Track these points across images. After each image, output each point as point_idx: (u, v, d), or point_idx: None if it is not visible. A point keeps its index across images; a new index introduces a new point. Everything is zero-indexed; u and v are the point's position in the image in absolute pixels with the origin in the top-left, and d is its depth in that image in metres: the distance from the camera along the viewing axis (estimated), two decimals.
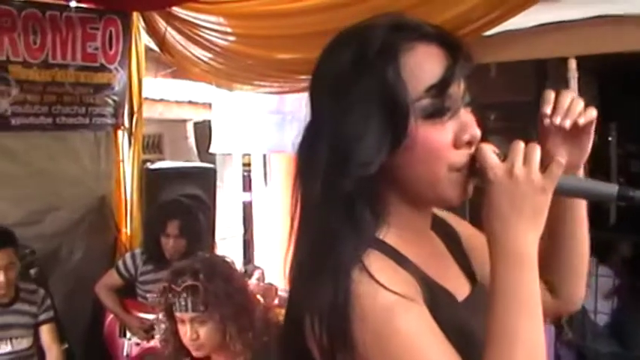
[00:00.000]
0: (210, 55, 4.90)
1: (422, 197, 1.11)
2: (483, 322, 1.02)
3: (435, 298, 1.05)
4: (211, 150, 6.36)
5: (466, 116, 1.08)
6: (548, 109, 1.12)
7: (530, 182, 1.01)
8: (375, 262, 1.01)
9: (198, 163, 6.10)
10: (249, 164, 7.56)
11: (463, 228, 1.32)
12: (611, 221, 6.06)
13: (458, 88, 1.07)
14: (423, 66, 1.05)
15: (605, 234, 4.74)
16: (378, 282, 0.98)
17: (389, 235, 1.08)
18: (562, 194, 1.07)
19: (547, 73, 4.36)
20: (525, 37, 3.52)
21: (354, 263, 0.99)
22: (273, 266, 7.07)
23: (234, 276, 2.38)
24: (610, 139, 6.77)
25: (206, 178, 5.18)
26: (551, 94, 1.12)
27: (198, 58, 4.96)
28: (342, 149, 1.04)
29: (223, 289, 2.25)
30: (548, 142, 1.15)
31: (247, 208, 7.77)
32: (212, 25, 4.52)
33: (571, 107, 1.11)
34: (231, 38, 4.65)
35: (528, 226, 1.01)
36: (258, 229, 7.20)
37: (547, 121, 1.13)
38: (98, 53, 4.67)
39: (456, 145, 1.06)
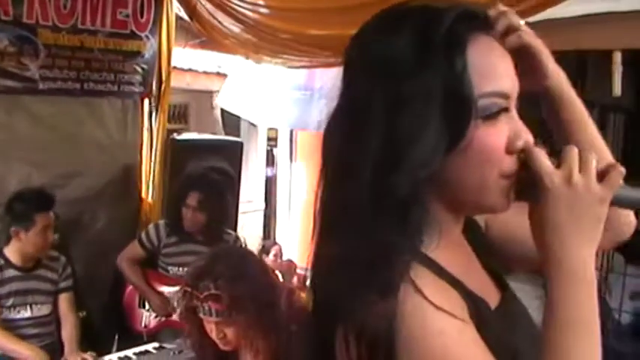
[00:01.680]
0: (240, 27, 4.82)
1: (466, 204, 1.02)
2: (519, 332, 0.98)
3: (478, 312, 0.96)
4: (218, 102, 6.31)
5: (518, 120, 0.99)
6: None
7: (589, 191, 0.93)
8: (422, 277, 0.91)
9: (226, 137, 6.06)
10: (274, 139, 7.51)
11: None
12: None
13: (515, 87, 0.99)
14: (489, 61, 0.96)
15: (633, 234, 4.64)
16: (428, 301, 0.88)
17: (435, 252, 0.97)
18: (617, 205, 0.98)
19: (587, 68, 4.24)
20: (568, 28, 3.41)
21: (402, 279, 0.89)
22: (293, 243, 7.07)
23: (259, 273, 2.31)
24: None
25: (233, 152, 5.13)
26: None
27: (229, 30, 4.89)
28: (395, 147, 0.92)
29: (248, 292, 2.20)
30: None
31: (269, 182, 7.75)
32: None
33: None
34: (264, 11, 4.57)
35: (586, 239, 0.94)
36: (282, 205, 7.17)
37: None
38: (129, 20, 4.62)
39: (509, 150, 0.97)
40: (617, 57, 3.42)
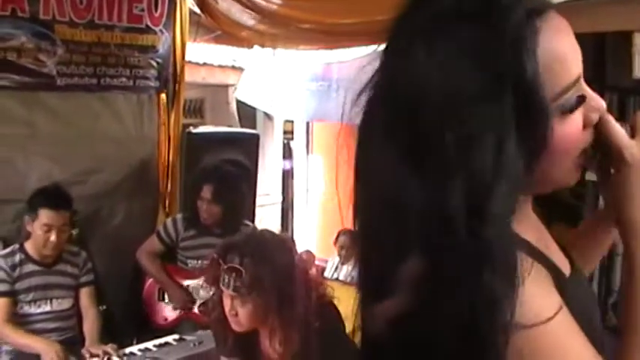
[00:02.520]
0: (256, 19, 4.81)
1: (544, 188, 0.98)
2: (590, 298, 1.00)
3: (557, 281, 0.93)
4: (236, 95, 6.31)
5: (588, 91, 0.93)
6: None
7: None
8: (523, 265, 0.85)
9: (242, 129, 6.05)
10: (290, 132, 7.50)
11: None
12: None
13: (580, 63, 0.92)
14: (557, 53, 0.87)
15: None
16: (529, 288, 0.84)
17: (518, 228, 0.89)
18: None
19: (605, 50, 4.18)
20: (587, 9, 3.36)
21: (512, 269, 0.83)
22: (311, 235, 7.07)
23: (286, 262, 2.30)
24: None
25: (249, 145, 5.13)
26: None
27: (243, 21, 4.88)
28: (477, 192, 0.81)
29: (270, 276, 2.21)
30: None
31: (286, 175, 7.74)
32: None
33: None
34: (278, 1, 4.55)
35: None
36: (299, 197, 7.17)
37: None
38: (144, 15, 4.63)
39: (585, 126, 0.92)
40: (638, 38, 3.37)
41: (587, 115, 0.92)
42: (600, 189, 0.98)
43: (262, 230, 2.51)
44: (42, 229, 3.50)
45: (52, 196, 3.58)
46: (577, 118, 0.91)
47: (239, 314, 2.25)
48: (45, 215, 3.50)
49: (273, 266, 2.23)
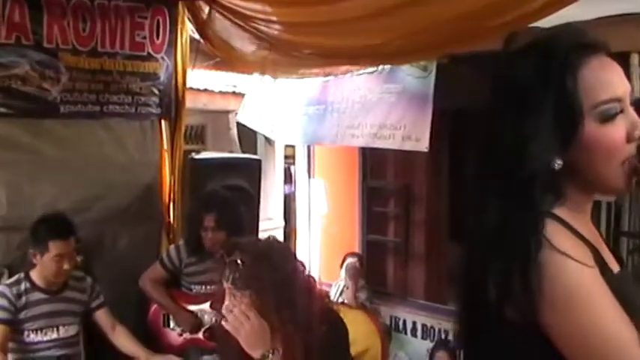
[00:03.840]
0: (254, 46, 4.85)
1: (595, 187, 1.32)
2: (633, 295, 1.21)
3: (601, 265, 1.23)
4: (238, 118, 6.35)
5: (634, 113, 1.28)
6: None
7: None
8: (555, 229, 1.21)
9: (244, 155, 6.09)
10: (290, 156, 7.53)
11: None
12: None
13: (626, 90, 1.28)
14: (598, 78, 1.25)
15: None
16: (562, 252, 1.17)
17: (565, 213, 1.26)
18: None
19: None
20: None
21: (535, 230, 1.19)
22: (314, 259, 7.06)
23: (287, 265, 2.34)
24: None
25: (251, 170, 5.14)
26: None
27: (242, 48, 4.92)
28: (519, 146, 1.24)
29: (269, 274, 2.24)
30: None
31: (288, 200, 7.75)
32: (257, 14, 4.46)
33: None
34: (277, 27, 4.59)
35: None
36: (301, 222, 7.17)
37: None
38: (145, 42, 4.67)
39: (629, 140, 1.25)
40: (635, 59, 3.42)
41: (630, 130, 1.25)
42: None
43: (268, 236, 2.55)
44: (54, 260, 3.53)
45: (59, 226, 3.61)
46: (619, 130, 1.25)
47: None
48: (55, 247, 3.53)
49: (274, 266, 2.27)
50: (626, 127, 1.25)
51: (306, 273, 2.40)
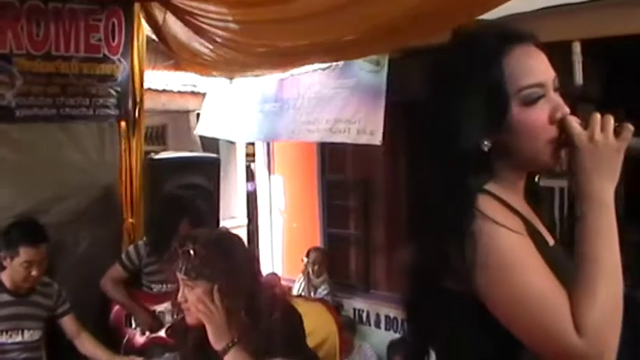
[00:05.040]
0: (211, 46, 4.88)
1: (526, 165, 1.41)
2: (568, 266, 1.29)
3: (534, 236, 1.33)
4: (197, 131, 6.38)
5: (557, 98, 1.37)
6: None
7: (607, 145, 1.29)
8: (487, 202, 1.31)
9: (202, 153, 6.10)
10: (252, 154, 7.56)
11: None
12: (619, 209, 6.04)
13: (549, 76, 1.37)
14: (522, 65, 1.35)
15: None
16: (494, 221, 1.26)
17: (497, 189, 1.37)
18: (632, 153, 1.32)
19: (552, 59, 4.33)
20: (530, 21, 3.50)
21: (468, 204, 1.29)
22: (277, 254, 7.11)
23: (238, 253, 2.38)
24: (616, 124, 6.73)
25: (210, 168, 5.18)
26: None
27: (199, 49, 4.95)
28: (454, 128, 1.33)
29: (221, 263, 2.28)
30: None
31: (251, 198, 7.78)
32: (212, 14, 4.49)
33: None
34: (233, 27, 4.63)
35: (606, 179, 1.30)
36: (263, 219, 7.21)
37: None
38: (101, 44, 4.67)
39: (551, 121, 1.34)
40: (577, 47, 3.53)
41: (553, 113, 1.34)
42: (568, 173, 1.34)
43: (220, 227, 2.59)
44: (22, 266, 3.54)
45: (31, 233, 3.62)
46: (541, 112, 1.34)
47: (188, 300, 2.29)
48: (25, 253, 3.54)
49: (225, 252, 2.31)
50: (549, 110, 1.34)
51: (257, 261, 2.45)
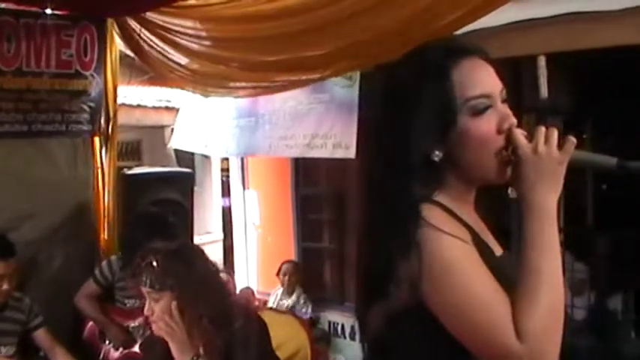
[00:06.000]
0: (185, 60, 4.90)
1: (474, 177, 1.42)
2: (514, 275, 1.30)
3: (480, 246, 1.35)
4: (171, 144, 6.37)
5: (505, 109, 1.39)
6: None
7: (551, 157, 1.32)
8: (433, 211, 1.33)
9: (175, 168, 6.10)
10: (227, 169, 7.56)
11: None
12: (588, 220, 6.13)
13: (496, 88, 1.39)
14: (469, 77, 1.38)
15: (581, 231, 4.85)
16: (438, 229, 1.28)
17: (446, 199, 1.39)
18: (574, 165, 1.35)
19: (521, 73, 4.40)
20: (497, 36, 3.57)
21: (414, 214, 1.30)
22: (251, 269, 7.11)
23: (200, 263, 2.41)
24: (585, 135, 6.82)
25: (184, 183, 5.18)
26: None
27: (174, 64, 4.96)
28: (404, 139, 1.36)
29: (183, 272, 2.31)
30: None
31: (227, 212, 7.78)
32: (187, 29, 4.52)
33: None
34: (207, 42, 4.65)
35: (549, 189, 1.33)
36: (238, 233, 7.21)
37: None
38: (73, 60, 4.66)
39: (498, 131, 1.37)
40: (542, 61, 3.59)
41: (501, 123, 1.37)
42: (513, 179, 1.37)
43: (181, 239, 2.63)
44: None
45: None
46: (488, 123, 1.37)
47: (155, 312, 2.31)
48: None
49: (186, 261, 2.35)
50: (496, 121, 1.37)
51: (219, 271, 2.47)
